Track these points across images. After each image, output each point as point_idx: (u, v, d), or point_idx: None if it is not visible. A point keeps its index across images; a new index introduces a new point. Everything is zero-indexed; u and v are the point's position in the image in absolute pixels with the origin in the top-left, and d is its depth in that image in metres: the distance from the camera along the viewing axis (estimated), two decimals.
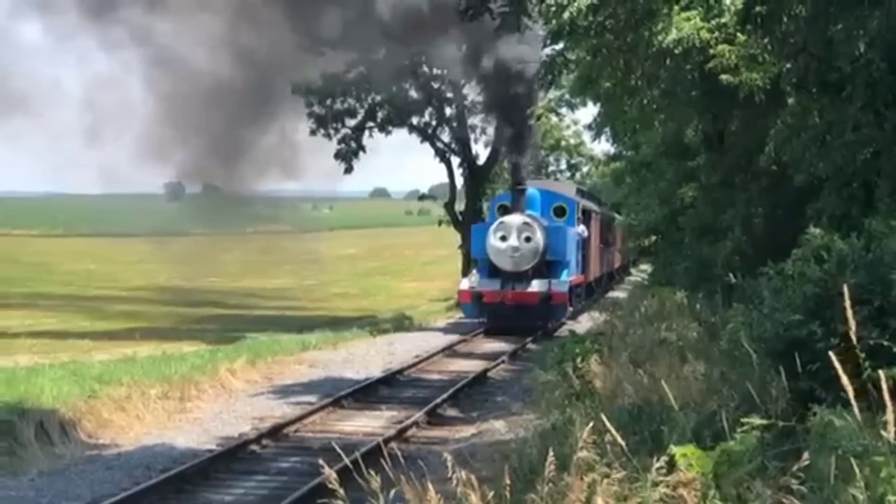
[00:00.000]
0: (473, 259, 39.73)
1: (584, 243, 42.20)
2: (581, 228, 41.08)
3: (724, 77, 20.26)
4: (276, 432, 19.42)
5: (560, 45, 30.79)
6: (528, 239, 36.43)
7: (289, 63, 40.42)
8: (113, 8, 36.84)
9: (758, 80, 19.75)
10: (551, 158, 65.60)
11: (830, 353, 7.09)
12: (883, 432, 5.70)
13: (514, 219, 37.03)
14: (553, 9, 23.24)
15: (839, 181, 14.82)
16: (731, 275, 19.16)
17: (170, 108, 37.95)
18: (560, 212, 39.86)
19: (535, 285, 36.23)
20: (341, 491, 7.19)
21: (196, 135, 37.84)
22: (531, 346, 33.00)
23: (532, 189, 39.75)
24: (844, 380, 6.35)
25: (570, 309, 38.68)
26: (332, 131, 48.21)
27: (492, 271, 37.16)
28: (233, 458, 17.50)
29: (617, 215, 49.55)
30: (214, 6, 36.54)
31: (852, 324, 6.71)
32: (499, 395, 23.71)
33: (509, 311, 35.68)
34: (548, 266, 37.13)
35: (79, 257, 79.27)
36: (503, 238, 36.49)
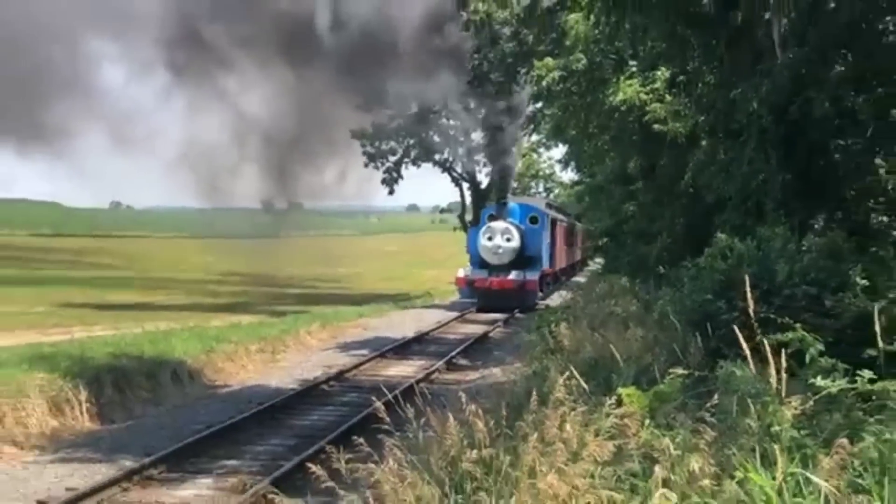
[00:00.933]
0: (468, 254, 38.46)
1: (552, 243, 41.20)
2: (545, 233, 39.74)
3: (656, 126, 20.24)
4: (339, 376, 19.42)
5: (539, 104, 30.88)
6: (508, 239, 35.96)
7: (349, 118, 41.86)
8: (204, 79, 37.25)
9: (680, 129, 19.72)
10: (532, 184, 65.52)
11: (734, 326, 7.11)
12: (770, 380, 5.68)
13: (498, 224, 36.46)
14: (535, 79, 23.26)
15: (738, 200, 14.76)
16: (660, 266, 19.19)
17: (258, 149, 38.39)
18: (534, 220, 38.78)
19: (513, 275, 35.46)
20: (386, 418, 7.22)
21: (279, 169, 38.39)
22: (519, 315, 32.80)
23: (513, 203, 39.29)
24: (742, 342, 6.36)
25: (541, 293, 37.46)
26: (379, 164, 49.24)
27: (481, 264, 36.45)
28: (309, 394, 17.51)
29: (578, 223, 49.72)
30: (286, 82, 36.99)
31: (751, 302, 6.72)
32: (496, 350, 23.65)
33: (494, 293, 35.06)
34: (524, 260, 36.34)
35: (199, 254, 79.23)
36: (489, 238, 36.12)
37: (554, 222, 42.50)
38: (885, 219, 13.73)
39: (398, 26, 33.29)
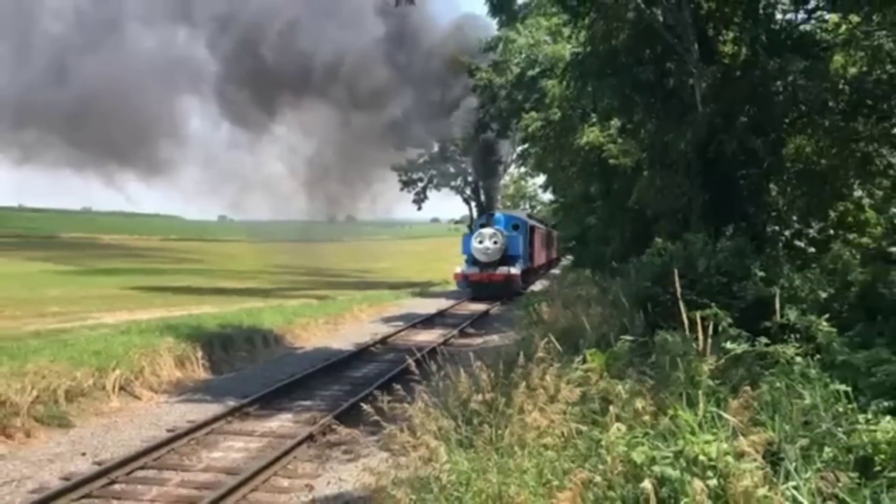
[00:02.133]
0: (464, 254, 35.70)
1: (530, 245, 39.14)
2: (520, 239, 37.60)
3: (611, 161, 20.22)
4: (383, 341, 19.41)
5: (526, 145, 30.86)
6: (495, 242, 34.12)
7: (388, 158, 42.42)
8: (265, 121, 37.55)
9: (628, 162, 19.67)
10: (521, 202, 65.34)
11: (668, 305, 7.10)
12: (693, 344, 5.67)
13: (487, 230, 34.64)
14: (523, 127, 23.30)
15: (670, 214, 14.73)
16: (613, 262, 19.12)
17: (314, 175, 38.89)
18: (515, 227, 36.80)
19: (501, 270, 33.55)
20: (416, 371, 7.22)
21: (333, 192, 39.11)
22: (507, 301, 32.62)
23: (498, 214, 37.74)
24: (681, 317, 6.34)
25: (522, 285, 35.06)
26: (410, 189, 49.42)
27: (474, 262, 34.31)
28: (361, 354, 17.52)
29: (555, 231, 49.44)
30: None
31: (678, 288, 6.69)
32: (495, 322, 23.41)
33: (485, 285, 33.23)
34: (508, 259, 34.32)
35: (279, 254, 78.98)
36: (480, 242, 34.25)
37: (532, 229, 40.46)
38: (776, 228, 13.69)
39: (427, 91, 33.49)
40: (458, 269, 35.09)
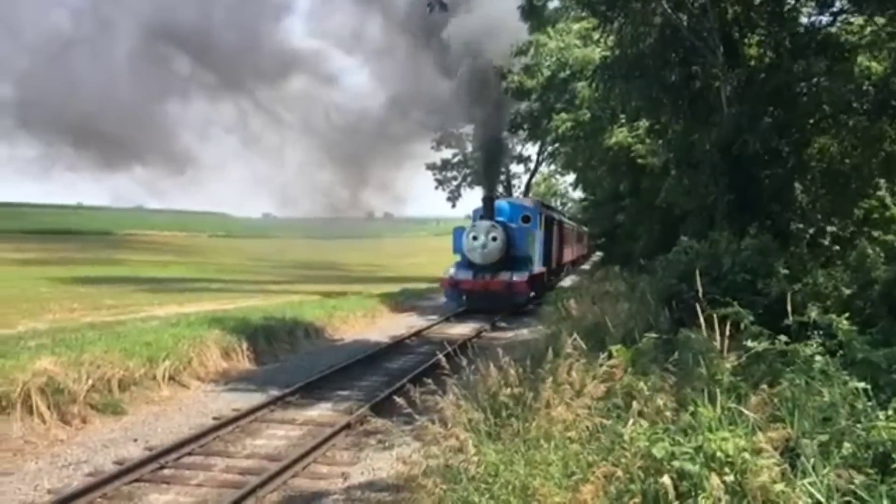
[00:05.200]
0: (456, 252, 26.74)
1: (547, 242, 29.68)
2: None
3: (639, 160, 20.13)
4: (418, 333, 19.48)
5: (556, 145, 30.73)
6: (494, 238, 25.06)
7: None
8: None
9: (656, 162, 19.58)
10: (552, 201, 65.14)
11: (691, 303, 7.05)
12: (714, 342, 5.62)
13: (484, 223, 25.55)
14: (553, 128, 23.26)
15: (697, 213, 14.62)
16: (641, 259, 19.00)
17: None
18: (526, 219, 27.62)
19: (501, 275, 24.72)
20: (447, 365, 7.23)
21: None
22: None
23: (502, 202, 29.07)
24: (704, 314, 6.28)
25: (532, 294, 26.16)
26: (445, 187, 49.55)
27: (468, 264, 25.44)
28: (397, 346, 17.61)
29: (585, 227, 48.87)
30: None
31: (699, 287, 6.65)
32: (525, 318, 23.02)
33: (481, 295, 24.67)
34: (512, 260, 25.37)
35: (322, 249, 79.51)
36: (475, 238, 25.31)
37: (550, 221, 31.18)
38: (800, 226, 13.49)
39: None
40: (447, 273, 25.91)
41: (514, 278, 24.67)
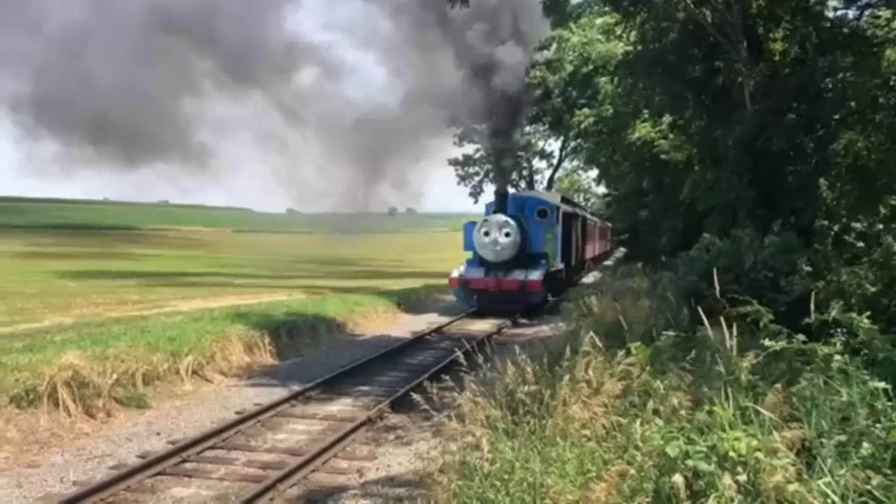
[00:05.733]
0: (467, 250, 24.81)
1: (566, 237, 27.82)
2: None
3: (662, 156, 20.02)
4: (438, 330, 19.52)
5: (579, 140, 30.60)
6: (507, 234, 23.26)
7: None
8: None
9: (679, 158, 19.46)
10: (575, 196, 64.85)
11: (710, 301, 7.02)
12: (731, 341, 5.59)
13: (496, 217, 23.68)
14: (576, 123, 23.17)
15: (720, 209, 14.52)
16: (663, 256, 18.91)
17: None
18: (542, 214, 25.56)
19: (515, 274, 22.95)
20: (464, 361, 7.23)
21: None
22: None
23: (517, 194, 27.84)
24: (723, 312, 6.25)
25: (546, 294, 24.50)
26: (467, 183, 49.45)
27: (480, 262, 23.68)
28: (418, 342, 17.68)
29: (609, 223, 48.58)
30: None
31: (716, 286, 6.63)
32: (546, 315, 22.67)
33: (492, 295, 22.91)
34: (527, 258, 23.69)
35: (345, 245, 79.35)
36: (486, 234, 23.50)
37: (569, 217, 29.17)
38: (825, 223, 13.36)
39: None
40: (455, 273, 23.96)
41: (529, 277, 22.93)
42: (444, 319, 21.62)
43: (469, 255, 24.34)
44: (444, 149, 46.42)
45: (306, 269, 45.45)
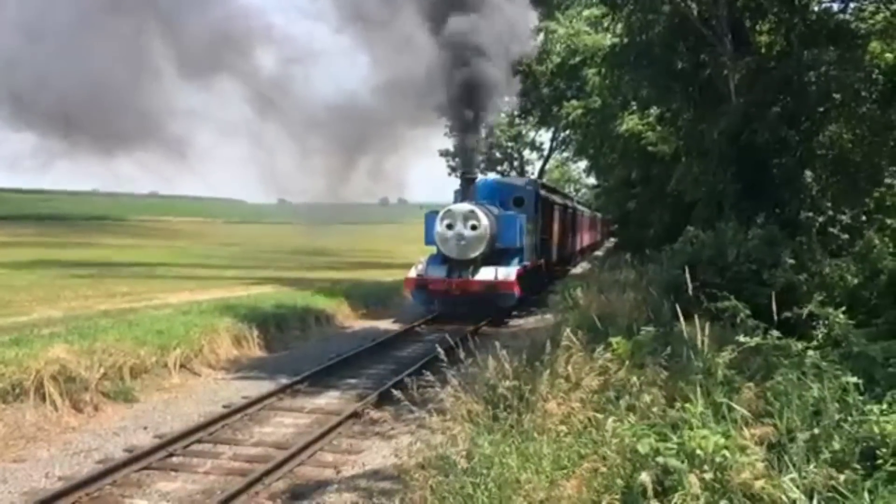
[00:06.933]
0: (428, 244, 20.40)
1: (546, 229, 24.51)
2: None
3: (649, 148, 20.07)
4: (429, 323, 19.32)
5: (567, 131, 30.64)
6: (473, 227, 19.20)
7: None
8: None
9: (666, 150, 19.52)
10: (566, 187, 64.88)
11: (690, 295, 7.09)
12: (705, 337, 5.65)
13: (460, 207, 19.66)
14: (564, 115, 23.19)
15: (706, 201, 14.60)
16: (646, 249, 19.03)
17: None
18: (518, 202, 22.15)
19: (482, 273, 19.08)
20: (443, 356, 7.26)
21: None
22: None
23: (487, 179, 24.81)
24: (702, 307, 6.32)
25: (521, 294, 19.80)
26: (457, 174, 49.41)
27: (443, 259, 19.67)
28: (407, 334, 17.72)
29: (598, 213, 48.58)
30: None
31: (688, 284, 6.69)
32: (532, 307, 21.58)
33: (456, 298, 19.22)
34: (498, 253, 19.81)
35: (336, 234, 78.74)
36: (449, 226, 19.36)
37: (551, 205, 25.65)
38: (810, 214, 13.45)
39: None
40: (413, 272, 19.94)
41: (500, 277, 19.10)
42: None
43: (433, 250, 20.33)
44: (428, 139, 46.19)
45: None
